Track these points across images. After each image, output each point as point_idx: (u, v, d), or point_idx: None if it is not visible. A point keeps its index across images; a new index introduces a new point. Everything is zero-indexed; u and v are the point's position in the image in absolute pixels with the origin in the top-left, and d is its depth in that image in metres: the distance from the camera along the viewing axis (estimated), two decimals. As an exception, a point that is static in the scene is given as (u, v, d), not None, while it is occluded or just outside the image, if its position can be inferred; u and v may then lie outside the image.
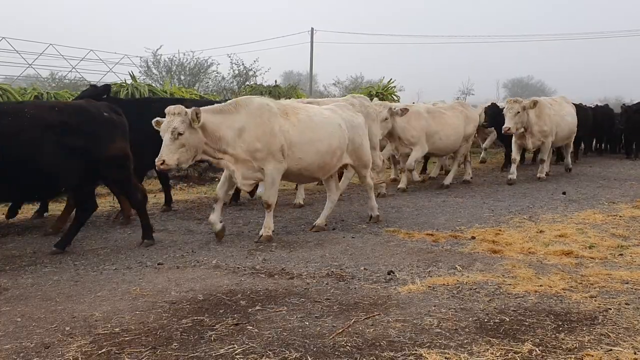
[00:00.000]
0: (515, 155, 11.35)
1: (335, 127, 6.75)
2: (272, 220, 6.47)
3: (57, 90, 14.63)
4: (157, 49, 29.15)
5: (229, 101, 6.50)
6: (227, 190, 6.76)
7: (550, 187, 10.63)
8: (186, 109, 5.81)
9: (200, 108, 5.98)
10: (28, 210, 8.61)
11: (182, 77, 29.03)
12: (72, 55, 30.30)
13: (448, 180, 10.81)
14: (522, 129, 10.91)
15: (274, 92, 17.11)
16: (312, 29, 39.04)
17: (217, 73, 28.86)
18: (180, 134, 5.72)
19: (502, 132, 10.76)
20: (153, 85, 18.00)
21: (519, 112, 10.54)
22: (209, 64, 29.56)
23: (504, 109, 10.81)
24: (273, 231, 6.47)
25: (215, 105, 6.46)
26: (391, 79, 19.97)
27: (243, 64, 26.40)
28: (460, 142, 10.77)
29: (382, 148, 10.13)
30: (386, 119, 9.45)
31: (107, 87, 8.44)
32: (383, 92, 18.87)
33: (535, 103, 10.74)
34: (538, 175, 11.51)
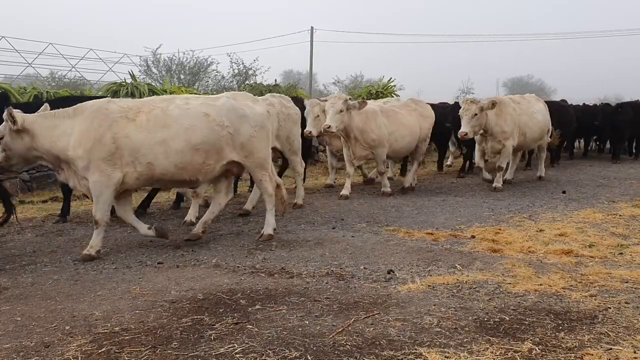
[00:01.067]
0: (479, 160, 10.40)
1: (197, 118, 5.78)
2: (100, 239, 5.74)
3: (56, 90, 14.63)
4: (157, 48, 29.24)
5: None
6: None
7: (550, 186, 10.63)
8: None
9: (41, 111, 5.73)
10: (28, 210, 8.62)
11: (182, 76, 29.05)
12: (71, 55, 30.37)
13: (408, 181, 10.10)
14: (482, 132, 9.83)
15: (274, 91, 17.08)
16: (312, 27, 39.01)
17: (217, 72, 28.91)
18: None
19: (459, 137, 9.77)
20: (153, 84, 18.01)
21: (476, 114, 9.30)
22: (208, 63, 29.61)
23: (460, 111, 9.57)
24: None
25: (61, 110, 5.83)
26: (391, 78, 20.01)
27: (243, 63, 26.42)
28: (416, 142, 9.93)
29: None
30: (341, 111, 8.57)
31: (4, 94, 8.69)
32: (383, 91, 18.89)
33: (493, 104, 9.50)
34: (494, 185, 10.09)
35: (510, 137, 9.95)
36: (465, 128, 9.32)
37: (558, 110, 13.55)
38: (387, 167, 9.84)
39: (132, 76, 15.71)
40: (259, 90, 17.27)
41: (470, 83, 41.21)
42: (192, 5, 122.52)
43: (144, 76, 28.65)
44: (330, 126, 8.42)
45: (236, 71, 26.47)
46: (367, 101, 9.81)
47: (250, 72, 26.43)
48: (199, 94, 15.58)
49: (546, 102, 13.87)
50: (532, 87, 62.95)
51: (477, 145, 10.45)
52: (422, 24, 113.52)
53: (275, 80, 20.78)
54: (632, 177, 12.00)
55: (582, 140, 18.50)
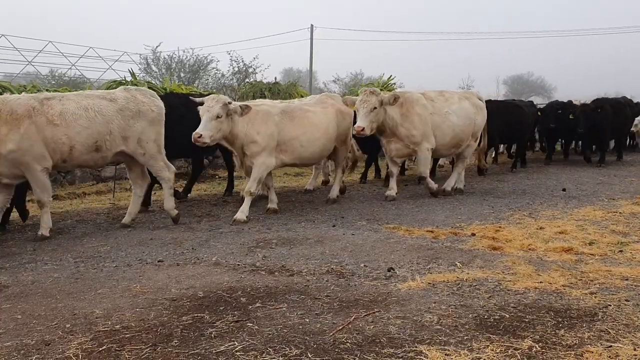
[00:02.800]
0: (392, 166, 8.97)
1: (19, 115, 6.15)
2: None
3: (56, 88, 14.62)
4: (157, 47, 29.16)
5: None
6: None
7: (550, 183, 10.63)
8: None
9: None
10: (28, 208, 8.61)
11: (182, 75, 29.02)
12: (71, 53, 30.33)
13: (333, 193, 8.79)
14: (388, 130, 8.57)
15: (274, 89, 17.08)
16: (312, 25, 38.95)
17: (217, 70, 28.85)
18: None
19: (354, 132, 8.34)
20: (152, 82, 17.99)
21: (375, 107, 8.11)
22: (208, 61, 29.55)
23: (357, 102, 8.28)
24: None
25: None
26: (391, 76, 19.96)
27: (243, 61, 26.37)
28: (333, 144, 8.46)
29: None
30: (218, 116, 7.07)
31: None
32: (383, 89, 18.86)
33: (395, 98, 8.25)
34: (386, 193, 8.87)
35: (422, 141, 8.67)
36: (362, 122, 8.05)
37: (509, 111, 12.70)
38: (256, 189, 7.71)
39: (132, 74, 15.69)
40: (259, 88, 17.25)
41: (470, 80, 41.21)
42: (192, 5, 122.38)
43: (144, 74, 28.61)
44: (201, 135, 6.93)
45: (236, 69, 26.42)
46: (275, 101, 8.96)
47: (250, 70, 26.40)
48: (200, 92, 15.58)
49: (498, 101, 13.28)
50: (533, 84, 62.99)
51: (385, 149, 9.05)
52: (422, 22, 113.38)
53: (275, 78, 20.72)
54: (632, 174, 12.00)
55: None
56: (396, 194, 8.82)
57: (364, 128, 8.01)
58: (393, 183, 8.87)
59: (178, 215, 7.34)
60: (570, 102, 15.91)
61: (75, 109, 6.52)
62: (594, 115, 13.22)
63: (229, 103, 7.21)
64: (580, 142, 16.75)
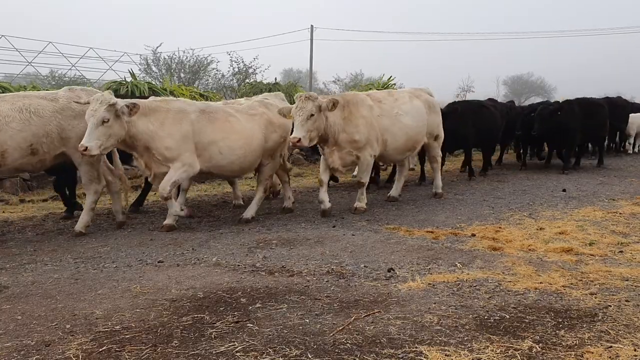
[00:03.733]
0: (323, 174, 7.83)
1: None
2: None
3: (56, 88, 14.62)
4: (157, 47, 29.14)
5: None
6: None
7: (550, 184, 10.63)
8: None
9: None
10: (28, 208, 8.62)
11: (182, 75, 29.01)
12: (71, 53, 30.39)
13: (249, 212, 7.52)
14: (331, 139, 7.54)
15: (274, 89, 17.09)
16: (312, 26, 38.96)
17: (217, 71, 28.86)
18: None
19: (291, 144, 7.27)
20: (153, 83, 17.99)
21: (313, 114, 7.08)
22: (208, 61, 29.55)
23: (292, 109, 7.24)
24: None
25: None
26: (391, 76, 19.99)
27: (243, 62, 26.40)
28: (258, 157, 7.41)
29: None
30: (105, 121, 6.12)
31: None
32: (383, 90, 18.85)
33: (334, 103, 7.24)
34: (355, 205, 8.00)
35: (365, 147, 7.68)
36: (298, 132, 6.99)
37: (476, 112, 11.58)
38: (171, 192, 6.74)
39: (132, 75, 15.70)
40: (259, 88, 17.26)
41: (470, 81, 41.15)
42: (192, 6, 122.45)
43: (144, 75, 28.62)
44: (87, 148, 6.06)
45: (236, 70, 26.46)
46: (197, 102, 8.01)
47: (250, 70, 26.42)
48: (200, 93, 15.60)
49: (464, 101, 12.29)
50: (533, 84, 63.03)
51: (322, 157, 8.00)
52: (423, 22, 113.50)
53: (275, 79, 20.77)
54: (633, 174, 12.00)
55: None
56: (329, 204, 7.75)
57: (300, 139, 6.97)
58: (324, 194, 7.73)
59: (80, 232, 6.71)
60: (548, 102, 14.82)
61: (8, 110, 6.16)
62: (555, 117, 11.79)
63: (115, 103, 6.22)
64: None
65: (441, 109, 9.91)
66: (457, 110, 10.96)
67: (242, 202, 8.77)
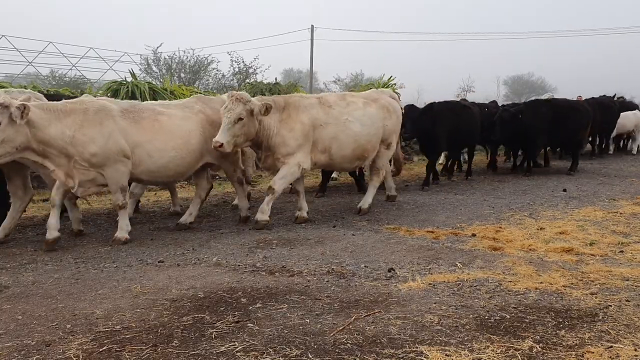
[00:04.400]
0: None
1: None
2: None
3: (57, 88, 14.63)
4: (158, 47, 29.19)
5: None
6: None
7: (551, 184, 10.62)
8: None
9: None
10: (29, 208, 8.62)
11: (183, 75, 29.06)
12: (72, 53, 30.44)
13: (186, 218, 7.03)
14: (266, 143, 6.93)
15: (274, 89, 17.08)
16: (312, 26, 38.99)
17: (217, 71, 28.92)
18: None
19: (213, 147, 6.46)
20: (153, 83, 17.99)
21: (241, 118, 6.46)
22: (209, 61, 29.59)
23: (221, 109, 6.61)
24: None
25: None
26: (391, 76, 19.94)
27: (243, 62, 26.44)
28: (196, 161, 6.73)
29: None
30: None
31: None
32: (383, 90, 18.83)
33: (268, 108, 6.61)
34: (256, 217, 7.00)
35: (294, 154, 6.97)
36: (221, 136, 6.36)
37: (454, 113, 10.82)
38: (125, 200, 6.26)
39: (133, 75, 15.69)
40: (260, 88, 17.25)
41: (470, 81, 41.21)
42: (192, 5, 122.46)
43: (145, 75, 28.65)
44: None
45: (236, 70, 26.50)
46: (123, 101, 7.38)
47: (251, 70, 26.45)
48: (200, 93, 15.59)
49: (441, 102, 11.06)
50: (533, 84, 63.02)
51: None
52: (423, 22, 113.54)
53: (276, 79, 20.73)
54: (633, 174, 11.99)
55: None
56: (307, 213, 7.39)
57: (222, 144, 6.32)
58: (302, 202, 7.41)
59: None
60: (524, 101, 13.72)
61: None
62: (516, 120, 11.19)
63: (5, 105, 5.42)
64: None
65: (416, 108, 10.07)
66: (432, 110, 10.32)
67: (179, 210, 8.00)
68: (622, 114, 16.14)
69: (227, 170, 7.36)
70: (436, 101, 11.26)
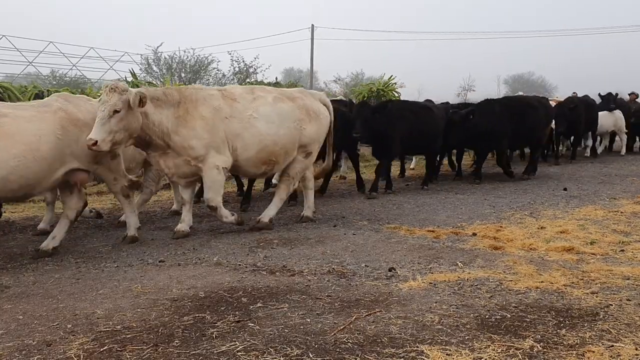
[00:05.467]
0: (182, 191, 6.67)
1: None
2: None
3: (57, 88, 14.63)
4: (158, 47, 29.18)
5: None
6: None
7: (552, 183, 10.61)
8: None
9: None
10: (29, 209, 8.63)
11: (183, 75, 29.05)
12: (72, 53, 30.46)
13: (50, 243, 5.83)
14: (157, 141, 6.09)
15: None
16: (313, 25, 38.96)
17: (218, 70, 28.92)
18: None
19: (87, 146, 5.50)
20: (154, 82, 18.01)
21: (117, 110, 5.60)
22: (209, 61, 29.59)
23: (97, 101, 5.89)
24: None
25: None
26: (392, 76, 19.95)
27: (243, 61, 26.45)
28: (53, 168, 5.51)
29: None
30: None
31: None
32: (384, 89, 18.85)
33: (142, 98, 5.74)
34: (177, 227, 6.56)
35: (207, 156, 6.23)
36: (96, 133, 5.46)
37: (414, 114, 9.77)
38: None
39: (133, 74, 15.74)
40: (260, 88, 17.23)
41: (471, 80, 41.18)
42: (193, 5, 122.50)
43: (145, 74, 28.65)
44: None
45: (237, 69, 26.51)
46: None
47: (251, 70, 26.46)
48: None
49: (401, 101, 10.32)
50: (534, 83, 62.98)
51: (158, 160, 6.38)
52: (424, 21, 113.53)
53: (276, 78, 20.80)
54: (634, 174, 11.98)
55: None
56: (190, 228, 6.59)
57: (96, 142, 5.43)
58: (186, 213, 6.59)
59: None
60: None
61: None
62: (468, 121, 10.29)
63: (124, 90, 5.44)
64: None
65: (369, 107, 9.34)
66: (386, 109, 9.26)
67: (48, 229, 6.76)
68: (599, 113, 15.02)
69: (105, 178, 6.16)
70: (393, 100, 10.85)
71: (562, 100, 15.48)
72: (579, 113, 13.43)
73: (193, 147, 6.17)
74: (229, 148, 6.41)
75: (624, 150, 16.21)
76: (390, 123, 9.22)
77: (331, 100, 8.12)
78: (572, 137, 14.76)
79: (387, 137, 9.28)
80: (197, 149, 6.19)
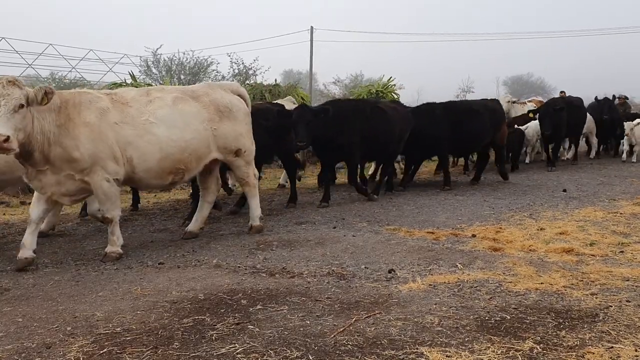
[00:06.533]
0: (33, 207, 5.67)
1: None
2: None
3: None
4: (157, 49, 29.18)
5: None
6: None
7: (551, 184, 10.62)
8: None
9: None
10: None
11: (182, 77, 29.04)
12: (72, 55, 30.49)
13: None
14: (38, 153, 5.24)
15: (274, 90, 17.08)
16: (312, 27, 38.97)
17: (217, 72, 28.91)
18: None
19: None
20: (153, 84, 18.01)
21: (22, 105, 4.96)
22: (208, 63, 29.58)
23: None
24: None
25: None
26: (391, 77, 19.95)
27: (243, 63, 26.42)
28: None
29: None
30: None
31: None
32: (383, 91, 18.86)
33: (47, 94, 5.10)
34: (106, 249, 5.78)
35: (93, 168, 5.46)
36: (3, 127, 4.79)
37: (355, 113, 8.72)
38: None
39: (132, 76, 15.73)
40: (259, 90, 17.25)
41: (470, 82, 41.14)
42: (192, 7, 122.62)
43: (144, 76, 28.65)
44: None
45: (236, 71, 26.47)
46: None
47: (251, 72, 26.44)
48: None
49: (350, 100, 9.57)
50: (533, 85, 63.00)
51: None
52: (423, 23, 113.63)
53: (276, 80, 20.72)
54: (633, 175, 11.98)
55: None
56: (118, 254, 5.75)
57: (8, 137, 4.77)
58: (28, 235, 5.52)
59: None
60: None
61: None
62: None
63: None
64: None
65: (308, 110, 8.08)
66: (328, 112, 8.07)
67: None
68: None
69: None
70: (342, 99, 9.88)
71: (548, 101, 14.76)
72: (564, 115, 12.64)
73: (76, 159, 5.37)
74: (122, 159, 5.62)
75: (592, 154, 15.83)
76: (335, 127, 8.19)
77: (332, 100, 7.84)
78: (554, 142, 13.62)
79: (330, 143, 8.32)
80: (81, 162, 5.39)
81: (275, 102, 11.47)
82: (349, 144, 8.47)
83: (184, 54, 29.33)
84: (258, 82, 21.80)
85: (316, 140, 8.11)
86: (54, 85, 28.27)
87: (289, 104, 10.16)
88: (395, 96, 18.90)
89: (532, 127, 13.75)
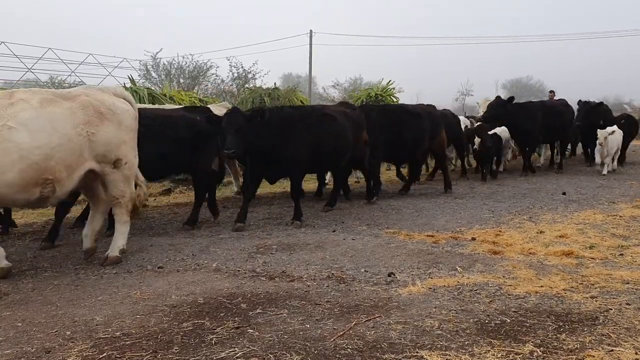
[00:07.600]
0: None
1: None
2: None
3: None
4: (157, 53, 29.19)
5: None
6: None
7: (550, 187, 10.63)
8: None
9: None
10: (28, 215, 8.61)
11: (182, 80, 29.06)
12: (71, 59, 30.47)
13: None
14: None
15: (274, 94, 17.09)
16: (311, 31, 39.02)
17: (217, 76, 28.91)
18: None
19: None
20: (152, 88, 18.02)
21: None
22: (208, 66, 29.60)
23: None
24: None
25: None
26: (390, 81, 19.97)
27: (242, 67, 26.46)
28: None
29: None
30: None
31: None
32: (382, 94, 18.88)
33: None
34: None
35: None
36: None
37: (313, 121, 7.74)
38: None
39: (132, 80, 15.72)
40: (259, 93, 17.26)
41: (469, 85, 41.24)
42: (191, 11, 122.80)
43: (144, 80, 28.66)
44: None
45: (235, 75, 26.50)
46: None
47: (250, 75, 26.47)
48: (199, 98, 15.62)
49: (303, 107, 8.90)
50: (532, 88, 63.17)
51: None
52: (422, 27, 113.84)
53: (275, 84, 20.74)
54: (632, 177, 12.00)
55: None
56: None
57: None
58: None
59: None
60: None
61: None
62: None
63: None
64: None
65: (240, 115, 6.96)
66: (264, 117, 7.04)
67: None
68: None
69: None
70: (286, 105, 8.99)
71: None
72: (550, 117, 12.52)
73: None
74: None
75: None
76: (273, 134, 7.15)
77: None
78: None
79: (268, 151, 7.20)
80: None
81: (189, 106, 9.97)
82: (278, 153, 7.26)
83: (183, 57, 29.37)
84: (257, 85, 21.81)
85: (252, 150, 7.04)
86: (53, 89, 28.27)
87: (221, 109, 8.86)
88: (395, 99, 18.94)
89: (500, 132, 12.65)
